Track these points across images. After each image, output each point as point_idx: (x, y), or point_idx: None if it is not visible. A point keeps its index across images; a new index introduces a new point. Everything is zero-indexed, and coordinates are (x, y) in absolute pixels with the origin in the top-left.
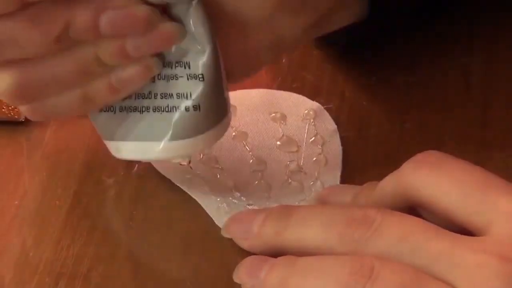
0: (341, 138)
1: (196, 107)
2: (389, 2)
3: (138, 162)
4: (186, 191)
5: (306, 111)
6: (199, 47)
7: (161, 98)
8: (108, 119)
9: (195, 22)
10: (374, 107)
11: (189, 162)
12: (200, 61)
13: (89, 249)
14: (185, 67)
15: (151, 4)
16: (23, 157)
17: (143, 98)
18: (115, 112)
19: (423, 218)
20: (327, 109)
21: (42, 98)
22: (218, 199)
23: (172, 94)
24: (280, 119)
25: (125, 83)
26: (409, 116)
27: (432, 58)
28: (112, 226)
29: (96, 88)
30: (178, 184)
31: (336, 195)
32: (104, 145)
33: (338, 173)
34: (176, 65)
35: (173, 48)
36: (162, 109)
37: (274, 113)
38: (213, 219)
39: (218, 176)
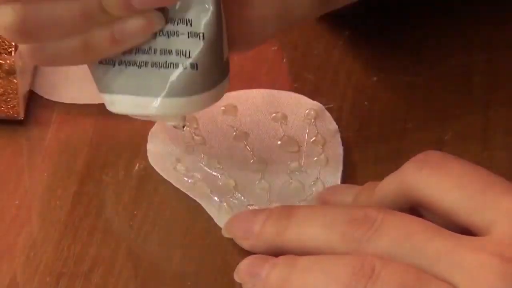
0: (342, 137)
1: (193, 66)
2: None
3: (139, 160)
4: (186, 192)
5: (307, 111)
6: (203, 6)
7: (160, 54)
8: (106, 71)
9: None
10: (375, 107)
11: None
12: (203, 20)
13: (90, 249)
14: (186, 24)
15: None
16: (23, 157)
17: (142, 53)
18: (114, 66)
19: (425, 218)
20: (328, 109)
21: (44, 39)
22: (219, 200)
23: (171, 51)
24: (281, 119)
25: (126, 35)
26: (410, 115)
27: (433, 58)
28: (112, 226)
29: (97, 37)
30: (178, 186)
31: (336, 195)
32: (105, 145)
33: (339, 173)
34: (178, 22)
35: (177, 4)
36: (160, 65)
37: (275, 113)
38: (214, 219)
39: (219, 177)
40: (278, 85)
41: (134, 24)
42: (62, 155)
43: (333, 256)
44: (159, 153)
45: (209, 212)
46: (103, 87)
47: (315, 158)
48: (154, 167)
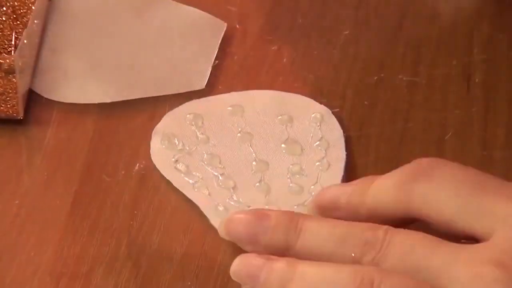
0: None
1: None
2: None
3: (139, 160)
4: (184, 193)
5: (314, 115)
6: None
7: None
8: None
9: None
10: (376, 107)
11: None
12: None
13: (90, 248)
14: None
15: None
16: (23, 157)
17: None
18: None
19: None
20: (334, 113)
21: None
22: (216, 202)
23: None
24: (287, 121)
25: None
26: (410, 115)
27: (433, 58)
28: (113, 226)
29: None
30: (176, 186)
31: (331, 196)
32: (105, 144)
33: (339, 179)
34: None
35: None
36: None
37: (281, 115)
38: (210, 220)
39: (219, 177)
40: (278, 85)
41: None
42: (62, 155)
43: (333, 267)
44: (161, 150)
45: (205, 214)
46: None
47: (317, 163)
48: (155, 164)
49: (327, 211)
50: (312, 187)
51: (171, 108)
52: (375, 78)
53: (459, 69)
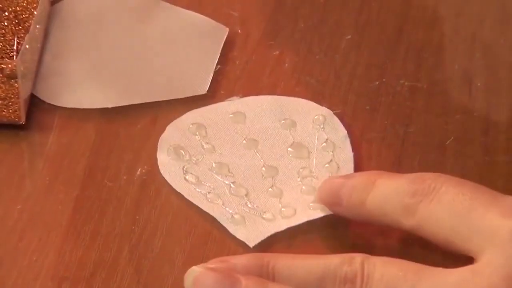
0: None
1: None
2: None
3: (141, 165)
4: (199, 205)
5: (316, 117)
6: None
7: None
8: None
9: None
10: (377, 111)
11: None
12: None
13: (92, 253)
14: None
15: None
16: (25, 162)
17: None
18: None
19: None
20: (336, 114)
21: None
22: (231, 211)
23: None
24: (290, 125)
25: None
26: (411, 120)
27: (434, 63)
28: (115, 231)
29: None
30: (190, 199)
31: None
32: (107, 149)
33: None
34: None
35: None
36: None
37: (284, 119)
38: (229, 230)
39: (231, 186)
40: (280, 90)
41: None
42: (64, 160)
43: None
44: (170, 163)
45: (223, 224)
46: None
47: (327, 165)
48: (165, 178)
49: (329, 205)
50: None
51: (172, 113)
52: (377, 83)
53: (461, 74)
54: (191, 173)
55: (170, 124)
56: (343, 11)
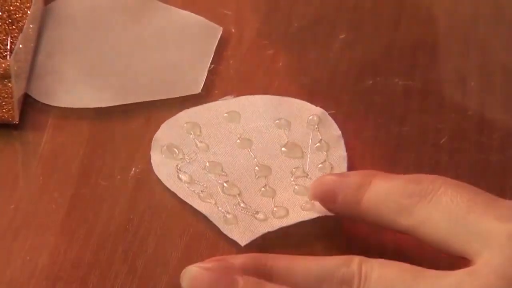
0: None
1: None
2: None
3: (135, 164)
4: (192, 204)
5: (310, 117)
6: None
7: None
8: None
9: None
10: (371, 111)
11: None
12: None
13: (86, 253)
14: None
15: None
16: (18, 161)
17: None
18: None
19: None
20: (330, 115)
21: None
22: (224, 211)
23: None
24: (284, 125)
25: None
26: (406, 119)
27: (428, 62)
28: (109, 230)
29: None
30: (183, 198)
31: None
32: (101, 149)
33: None
34: None
35: None
36: None
37: (278, 119)
38: (222, 230)
39: (224, 185)
40: (274, 89)
41: None
42: (58, 159)
43: None
44: (163, 162)
45: (215, 223)
46: None
47: (320, 165)
48: (159, 177)
49: (322, 202)
50: None
51: (167, 113)
52: (371, 82)
53: (455, 73)
54: (185, 172)
55: (164, 123)
56: (337, 10)
